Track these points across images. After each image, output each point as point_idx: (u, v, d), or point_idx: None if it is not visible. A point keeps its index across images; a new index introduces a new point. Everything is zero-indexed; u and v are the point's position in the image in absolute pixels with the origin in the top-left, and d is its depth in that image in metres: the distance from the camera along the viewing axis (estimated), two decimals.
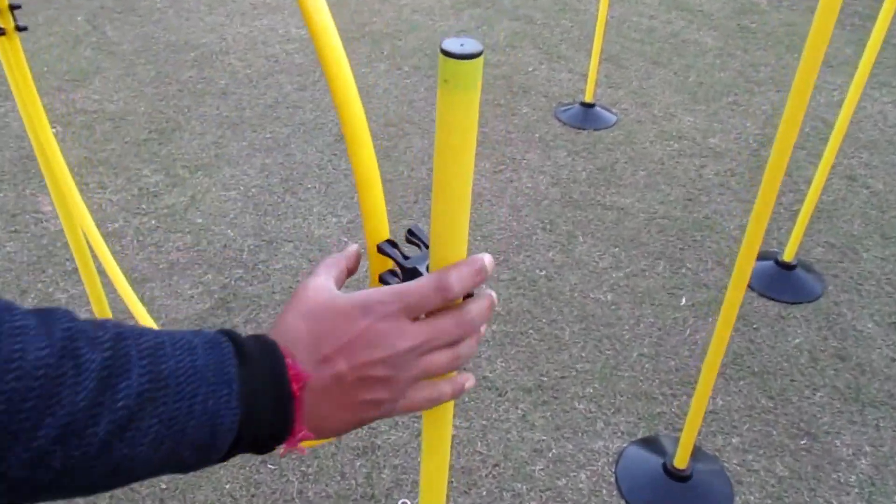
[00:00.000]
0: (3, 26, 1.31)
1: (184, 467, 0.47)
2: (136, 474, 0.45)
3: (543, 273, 2.43)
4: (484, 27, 4.13)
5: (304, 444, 0.52)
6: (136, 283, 2.26)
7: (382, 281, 0.64)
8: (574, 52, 3.87)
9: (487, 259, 0.55)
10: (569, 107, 3.35)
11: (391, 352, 0.50)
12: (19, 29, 1.34)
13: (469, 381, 0.60)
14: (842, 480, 1.83)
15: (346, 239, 2.51)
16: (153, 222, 2.53)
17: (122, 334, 0.44)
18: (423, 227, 0.60)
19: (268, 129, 3.11)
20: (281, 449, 0.50)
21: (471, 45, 0.47)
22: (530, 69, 3.71)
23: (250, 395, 0.46)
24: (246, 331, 2.13)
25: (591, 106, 3.29)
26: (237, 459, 1.79)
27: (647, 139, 3.18)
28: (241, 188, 2.73)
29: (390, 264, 0.64)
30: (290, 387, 0.47)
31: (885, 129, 3.35)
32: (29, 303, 2.18)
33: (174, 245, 2.44)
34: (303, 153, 2.96)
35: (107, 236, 2.44)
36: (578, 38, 4.03)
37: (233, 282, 2.31)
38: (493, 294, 0.58)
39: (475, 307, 0.54)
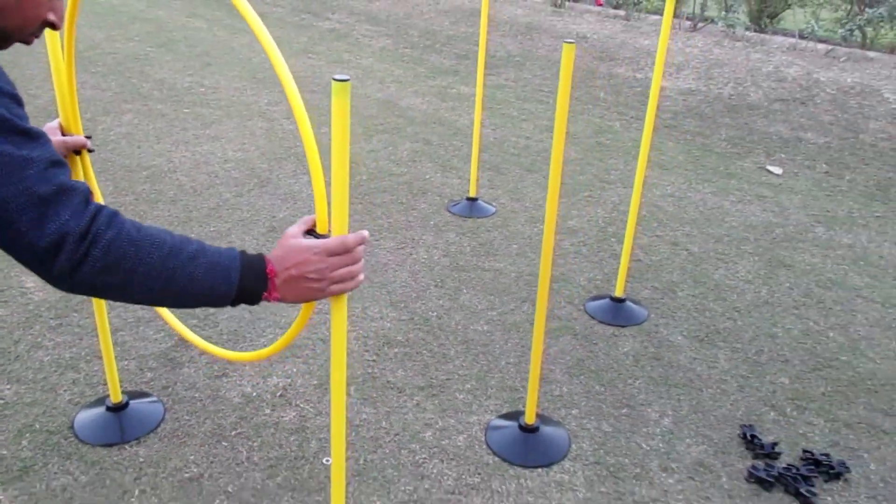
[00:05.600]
0: None
1: (214, 298, 1.09)
2: (184, 288, 1.07)
3: (435, 314, 3.13)
4: (389, 147, 5.01)
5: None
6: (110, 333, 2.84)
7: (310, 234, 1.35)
8: (463, 164, 4.77)
9: (366, 232, 1.27)
10: (457, 202, 4.18)
11: (319, 268, 1.15)
12: None
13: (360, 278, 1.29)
14: (650, 432, 2.52)
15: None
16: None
17: (189, 239, 1.10)
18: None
19: (212, 225, 3.79)
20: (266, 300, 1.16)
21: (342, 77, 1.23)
22: (427, 177, 4.57)
23: (246, 270, 1.11)
24: (201, 364, 2.73)
25: (474, 200, 4.13)
26: (199, 440, 2.35)
27: (519, 223, 4.01)
28: None
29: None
30: (265, 272, 1.13)
31: (703, 210, 4.29)
32: (18, 352, 2.73)
33: (139, 306, 3.04)
34: (241, 241, 3.65)
35: (85, 301, 3.02)
36: (467, 154, 4.95)
37: (189, 327, 2.90)
38: (365, 233, 1.30)
39: (360, 251, 1.22)
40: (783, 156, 5.20)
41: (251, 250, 3.58)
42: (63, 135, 1.94)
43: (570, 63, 1.94)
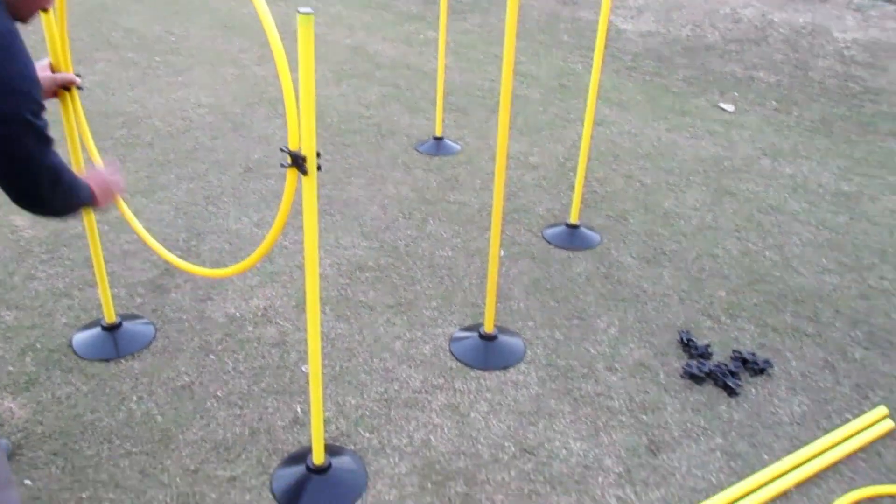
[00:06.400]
0: None
1: (79, 204, 1.66)
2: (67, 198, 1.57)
3: (403, 242, 3.36)
4: (359, 92, 5.18)
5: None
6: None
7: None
8: (430, 106, 4.95)
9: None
10: (425, 142, 4.38)
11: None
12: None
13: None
14: (598, 339, 2.79)
15: (257, 230, 3.38)
16: (105, 227, 3.31)
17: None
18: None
19: (189, 166, 3.97)
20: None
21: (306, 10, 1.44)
22: (395, 119, 4.76)
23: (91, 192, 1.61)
24: (186, 289, 2.95)
25: (440, 139, 4.34)
26: (188, 354, 2.58)
27: (483, 160, 4.23)
28: (173, 204, 3.57)
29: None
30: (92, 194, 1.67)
31: (657, 146, 4.54)
32: (14, 283, 2.92)
33: (125, 240, 3.24)
34: (219, 180, 3.83)
35: (73, 237, 3.21)
36: (434, 97, 5.12)
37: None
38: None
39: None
40: (736, 94, 5.45)
41: (229, 189, 3.81)
42: (53, 72, 2.11)
43: (514, 6, 2.14)
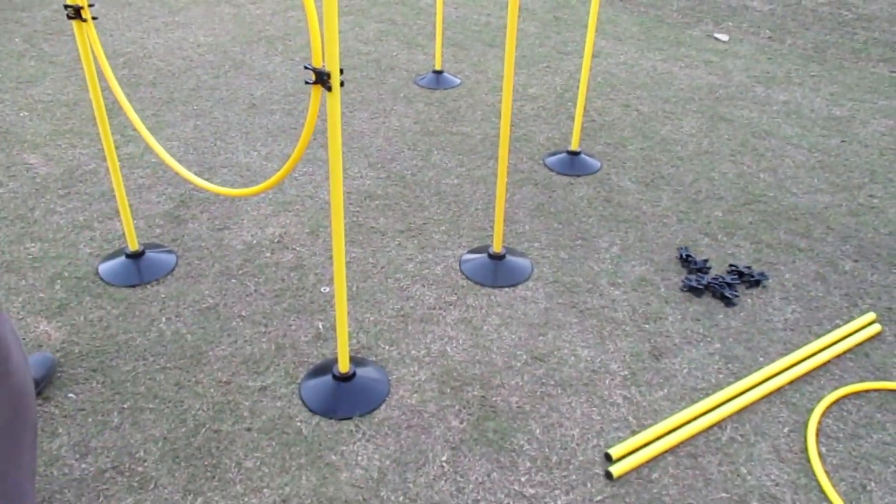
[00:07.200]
0: None
1: None
2: None
3: (409, 172, 3.46)
4: (356, 28, 5.19)
5: None
6: (115, 198, 3.13)
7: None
8: (427, 41, 4.98)
9: None
10: (424, 76, 4.43)
11: None
12: None
13: None
14: (601, 258, 2.92)
15: (266, 163, 3.46)
16: (118, 163, 3.38)
17: None
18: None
19: (194, 104, 4.02)
20: None
21: None
22: (394, 54, 4.79)
23: None
24: (203, 219, 3.04)
25: (440, 72, 4.39)
26: (210, 279, 2.70)
27: (483, 92, 4.30)
28: (181, 139, 3.64)
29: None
30: None
31: (654, 76, 4.60)
32: (35, 217, 3.01)
33: (138, 175, 3.32)
34: (224, 117, 3.89)
35: (87, 174, 3.29)
36: (430, 32, 5.15)
37: (187, 191, 3.21)
38: None
39: None
40: (730, 24, 5.48)
41: (235, 125, 3.87)
42: None
43: None
